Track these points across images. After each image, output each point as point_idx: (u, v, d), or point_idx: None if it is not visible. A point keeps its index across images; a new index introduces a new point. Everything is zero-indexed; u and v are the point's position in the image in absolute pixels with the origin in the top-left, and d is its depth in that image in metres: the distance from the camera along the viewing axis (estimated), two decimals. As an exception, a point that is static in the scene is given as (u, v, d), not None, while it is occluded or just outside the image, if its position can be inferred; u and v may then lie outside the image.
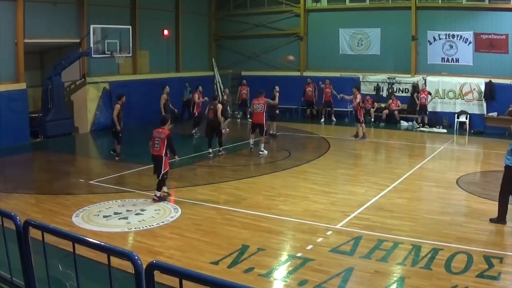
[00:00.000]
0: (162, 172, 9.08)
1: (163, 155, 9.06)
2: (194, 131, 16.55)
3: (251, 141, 14.07)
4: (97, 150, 16.66)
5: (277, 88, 16.21)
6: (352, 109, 20.43)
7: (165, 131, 9.15)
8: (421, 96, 18.39)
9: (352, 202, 9.21)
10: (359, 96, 16.06)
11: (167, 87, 13.13)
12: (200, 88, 16.95)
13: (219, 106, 13.43)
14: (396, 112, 19.33)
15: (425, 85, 18.63)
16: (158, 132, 9.16)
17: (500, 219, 7.96)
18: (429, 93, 18.40)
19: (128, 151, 13.52)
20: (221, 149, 13.68)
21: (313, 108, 20.79)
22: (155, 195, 9.21)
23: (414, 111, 18.95)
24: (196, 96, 16.63)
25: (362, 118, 16.10)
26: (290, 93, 20.50)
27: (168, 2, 21.31)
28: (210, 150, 13.49)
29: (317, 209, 8.82)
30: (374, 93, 20.04)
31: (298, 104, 21.25)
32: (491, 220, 8.00)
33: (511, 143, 7.95)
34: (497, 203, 8.05)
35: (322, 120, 20.33)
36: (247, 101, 19.41)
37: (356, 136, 16.06)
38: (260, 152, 13.58)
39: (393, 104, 19.42)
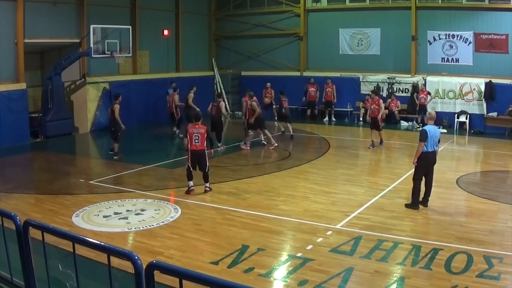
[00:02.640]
0: (208, 164, 9.52)
1: (205, 148, 9.48)
2: (177, 131, 16.31)
3: (262, 136, 14.90)
4: (97, 150, 16.64)
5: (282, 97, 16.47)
6: (352, 109, 20.51)
7: (202, 127, 9.55)
8: (420, 96, 18.38)
9: (352, 202, 9.21)
10: (381, 102, 14.93)
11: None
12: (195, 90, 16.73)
13: (222, 104, 14.35)
14: (396, 112, 19.33)
15: (425, 85, 18.62)
16: (196, 128, 9.46)
17: (414, 203, 8.62)
18: (429, 93, 18.39)
19: (128, 151, 13.51)
20: (219, 144, 14.23)
21: (315, 108, 20.75)
22: (206, 186, 9.70)
23: (414, 111, 18.96)
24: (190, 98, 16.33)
25: (382, 125, 15.03)
26: (290, 93, 20.39)
27: (168, 2, 21.31)
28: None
29: (317, 209, 8.82)
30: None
31: (298, 104, 21.21)
32: (406, 206, 8.67)
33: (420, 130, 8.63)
34: (496, 202, 8.04)
35: (326, 119, 20.38)
36: (272, 106, 17.91)
37: (381, 142, 14.93)
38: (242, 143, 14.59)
39: (393, 104, 19.41)
